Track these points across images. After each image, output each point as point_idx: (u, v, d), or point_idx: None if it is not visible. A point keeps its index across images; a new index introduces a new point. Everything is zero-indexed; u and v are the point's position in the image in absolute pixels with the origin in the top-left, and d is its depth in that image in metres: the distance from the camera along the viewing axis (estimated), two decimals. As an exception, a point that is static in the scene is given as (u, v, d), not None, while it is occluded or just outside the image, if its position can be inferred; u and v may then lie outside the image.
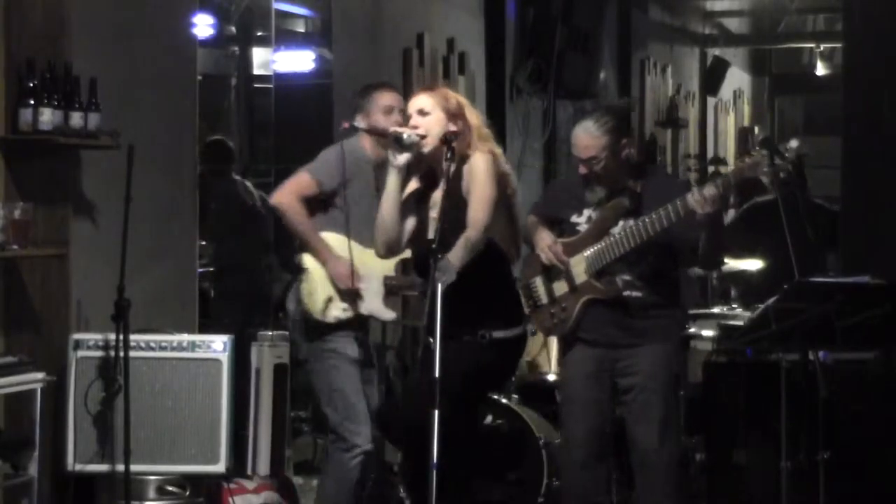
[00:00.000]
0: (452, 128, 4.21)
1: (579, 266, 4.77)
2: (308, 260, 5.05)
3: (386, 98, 4.98)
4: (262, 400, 6.39)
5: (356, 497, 5.09)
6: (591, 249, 4.74)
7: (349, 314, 5.00)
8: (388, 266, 4.93)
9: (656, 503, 4.82)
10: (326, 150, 5.13)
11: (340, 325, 5.03)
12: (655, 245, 4.70)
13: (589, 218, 4.81)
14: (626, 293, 4.75)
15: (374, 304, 5.01)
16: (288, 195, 5.02)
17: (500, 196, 4.23)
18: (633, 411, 4.80)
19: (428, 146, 4.22)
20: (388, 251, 4.36)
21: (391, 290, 4.99)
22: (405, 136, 4.18)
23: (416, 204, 4.33)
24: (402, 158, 4.18)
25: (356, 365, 5.06)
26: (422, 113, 4.24)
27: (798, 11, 15.57)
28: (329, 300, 4.99)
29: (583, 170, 4.74)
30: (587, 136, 4.71)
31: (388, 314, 5.08)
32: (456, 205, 4.18)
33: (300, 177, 5.05)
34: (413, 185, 4.32)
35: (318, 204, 5.02)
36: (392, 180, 4.20)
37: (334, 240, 4.99)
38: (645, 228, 4.62)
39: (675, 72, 14.19)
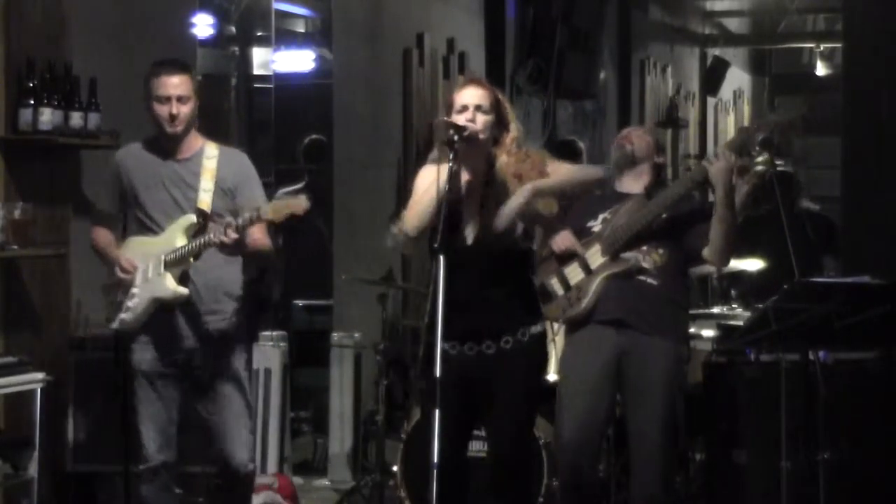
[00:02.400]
0: (495, 132, 4.18)
1: (595, 253, 4.83)
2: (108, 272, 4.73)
3: (162, 85, 4.59)
4: (271, 400, 6.41)
5: None
6: (607, 233, 4.82)
7: (128, 316, 4.57)
8: (173, 243, 4.57)
9: (651, 494, 4.81)
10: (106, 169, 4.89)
11: (139, 333, 4.61)
12: (668, 239, 4.79)
13: (604, 220, 4.87)
14: (642, 278, 4.79)
15: (157, 286, 4.54)
16: (93, 225, 4.82)
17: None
18: (639, 406, 4.80)
19: (479, 143, 4.15)
20: (414, 233, 4.22)
21: (173, 264, 4.55)
22: (468, 130, 4.09)
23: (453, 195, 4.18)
24: (448, 151, 4.07)
25: (147, 377, 4.61)
26: (479, 109, 4.15)
27: (798, 11, 15.57)
28: (118, 307, 4.63)
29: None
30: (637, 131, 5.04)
31: (170, 290, 4.54)
32: (494, 209, 4.14)
33: (96, 206, 4.86)
34: (466, 176, 4.20)
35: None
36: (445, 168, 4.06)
37: (132, 242, 4.68)
38: (663, 200, 4.72)
39: (675, 72, 14.19)
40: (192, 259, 4.55)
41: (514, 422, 4.24)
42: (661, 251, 4.79)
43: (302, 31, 8.16)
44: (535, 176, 4.16)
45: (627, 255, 4.80)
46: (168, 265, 4.54)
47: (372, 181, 7.79)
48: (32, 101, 5.05)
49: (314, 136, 7.62)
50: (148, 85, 4.59)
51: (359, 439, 6.80)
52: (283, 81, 7.59)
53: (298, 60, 7.98)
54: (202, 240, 4.52)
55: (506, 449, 4.25)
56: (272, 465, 6.33)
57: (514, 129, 4.24)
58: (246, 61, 7.69)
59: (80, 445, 5.26)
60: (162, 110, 4.58)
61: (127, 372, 4.62)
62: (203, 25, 6.82)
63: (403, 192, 8.00)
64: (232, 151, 4.80)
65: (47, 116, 5.07)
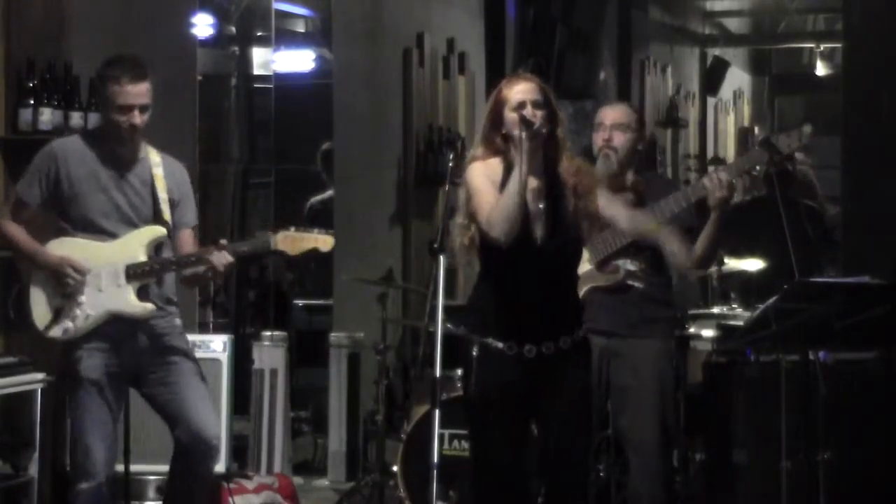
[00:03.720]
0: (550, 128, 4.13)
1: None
2: (35, 274, 4.43)
3: (124, 94, 4.32)
4: (278, 400, 6.41)
5: None
6: (595, 239, 4.76)
7: (73, 326, 4.34)
8: (134, 254, 4.36)
9: (652, 495, 4.82)
10: (34, 159, 4.52)
11: (85, 340, 4.35)
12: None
13: None
14: (629, 282, 4.77)
15: (116, 299, 4.33)
16: (3, 221, 4.46)
17: None
18: (632, 408, 4.79)
19: (542, 138, 4.08)
20: (507, 237, 4.01)
21: (136, 278, 4.33)
22: (537, 125, 4.03)
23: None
24: (534, 145, 4.00)
25: (96, 385, 4.32)
26: (536, 105, 4.08)
27: (798, 11, 15.57)
28: (58, 314, 4.36)
29: (604, 136, 4.76)
30: (619, 107, 4.88)
31: (137, 307, 4.35)
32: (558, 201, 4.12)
33: (13, 198, 4.53)
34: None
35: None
36: (525, 168, 3.98)
37: (70, 243, 4.39)
38: (656, 217, 4.65)
39: (675, 72, 14.18)
40: (156, 276, 4.40)
41: (575, 424, 4.18)
42: (646, 253, 4.75)
43: (302, 31, 8.16)
44: (588, 198, 4.13)
45: (616, 262, 4.75)
46: (130, 278, 4.35)
47: (372, 181, 7.79)
48: (32, 101, 5.06)
49: (328, 146, 7.64)
50: (106, 87, 4.34)
51: (356, 439, 6.80)
52: (283, 81, 7.59)
53: (298, 60, 7.98)
54: (179, 259, 4.37)
55: (568, 451, 4.17)
56: (278, 464, 6.34)
57: (563, 125, 4.21)
58: (246, 61, 7.70)
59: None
60: (122, 120, 4.34)
61: (73, 381, 4.37)
62: (203, 25, 6.83)
63: (403, 192, 8.02)
64: (172, 161, 4.57)
65: (47, 116, 5.08)
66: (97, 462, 4.34)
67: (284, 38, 7.80)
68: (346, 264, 7.25)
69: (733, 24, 16.63)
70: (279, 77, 7.58)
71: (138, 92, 4.35)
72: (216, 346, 5.34)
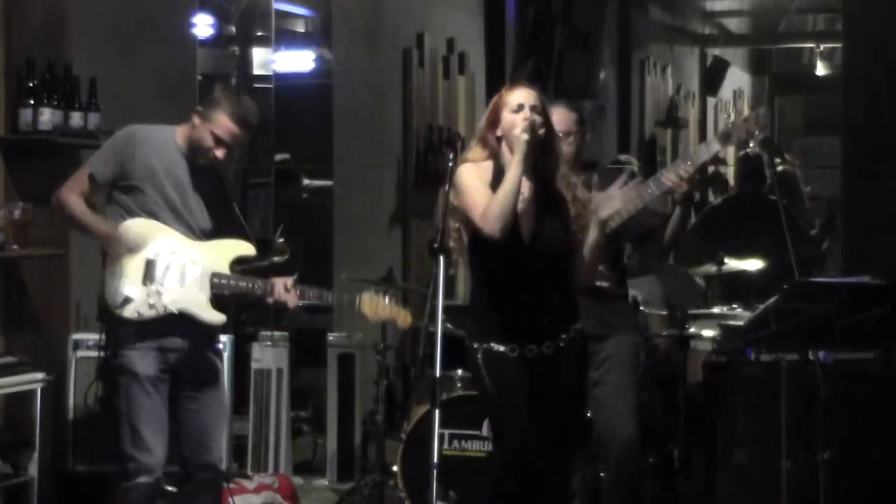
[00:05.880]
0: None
1: None
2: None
3: (229, 132, 4.38)
4: (278, 399, 6.41)
5: None
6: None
7: (153, 312, 4.34)
8: (220, 265, 4.42)
9: (628, 489, 4.85)
10: (111, 138, 4.56)
11: (139, 338, 4.36)
12: (614, 234, 4.72)
13: None
14: (597, 283, 4.76)
15: (195, 302, 4.38)
16: (66, 191, 4.42)
17: None
18: (606, 402, 4.81)
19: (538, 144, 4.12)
20: (503, 232, 4.05)
21: (218, 288, 4.40)
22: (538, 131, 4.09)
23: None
24: (528, 146, 4.04)
25: (151, 383, 4.35)
26: (534, 110, 4.12)
27: (798, 11, 15.58)
28: (130, 296, 4.34)
29: None
30: (561, 111, 4.75)
31: (215, 317, 4.42)
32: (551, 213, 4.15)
33: (80, 172, 4.46)
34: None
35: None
36: (519, 165, 4.03)
37: (161, 228, 4.38)
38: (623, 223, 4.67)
39: (675, 72, 14.20)
40: (235, 295, 4.44)
41: (572, 419, 4.24)
42: (607, 251, 4.73)
43: (302, 31, 8.16)
44: (581, 224, 4.19)
45: None
46: (213, 287, 4.39)
47: (372, 181, 7.79)
48: (32, 101, 5.05)
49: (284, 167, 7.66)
50: (213, 110, 4.37)
51: (350, 440, 6.79)
52: (283, 81, 7.59)
53: (298, 60, 7.98)
54: (266, 286, 4.43)
55: (563, 444, 4.22)
56: (283, 465, 6.33)
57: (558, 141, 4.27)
58: (246, 61, 7.70)
59: (80, 445, 5.26)
60: (208, 147, 4.38)
61: (130, 379, 4.37)
62: (203, 25, 6.83)
63: (403, 192, 8.02)
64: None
65: (47, 116, 5.08)
66: (156, 457, 4.38)
67: (284, 38, 7.80)
68: (346, 264, 7.26)
69: (733, 24, 16.64)
70: (279, 77, 7.58)
71: (236, 135, 4.38)
72: (216, 345, 5.32)
